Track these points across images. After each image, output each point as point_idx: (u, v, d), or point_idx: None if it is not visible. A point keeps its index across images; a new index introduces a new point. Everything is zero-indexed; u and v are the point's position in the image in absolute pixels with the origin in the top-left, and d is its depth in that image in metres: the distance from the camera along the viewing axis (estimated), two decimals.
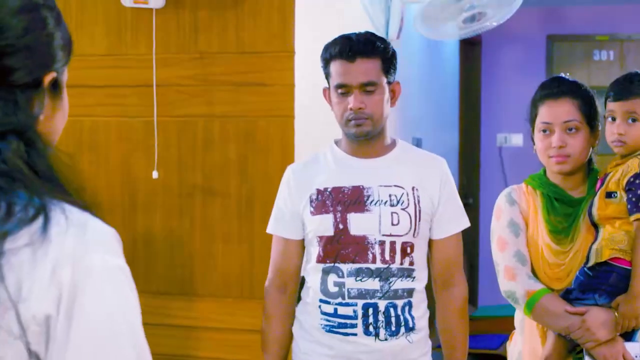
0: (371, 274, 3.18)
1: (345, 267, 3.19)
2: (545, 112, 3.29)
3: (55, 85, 1.57)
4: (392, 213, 3.19)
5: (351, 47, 3.19)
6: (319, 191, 3.27)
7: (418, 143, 6.80)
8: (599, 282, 3.11)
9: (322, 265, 3.24)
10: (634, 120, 3.17)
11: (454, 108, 8.84)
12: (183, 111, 4.38)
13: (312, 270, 3.29)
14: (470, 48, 9.13)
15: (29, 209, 1.40)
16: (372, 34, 3.28)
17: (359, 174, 3.26)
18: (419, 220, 3.22)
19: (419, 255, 3.25)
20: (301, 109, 4.23)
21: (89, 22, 4.52)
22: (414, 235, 3.22)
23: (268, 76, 4.23)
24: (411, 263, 3.22)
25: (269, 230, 3.40)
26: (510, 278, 3.25)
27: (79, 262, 1.39)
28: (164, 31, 4.38)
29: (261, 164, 4.26)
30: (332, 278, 3.22)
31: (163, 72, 4.37)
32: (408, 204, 3.22)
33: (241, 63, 4.28)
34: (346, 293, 3.19)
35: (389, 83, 3.26)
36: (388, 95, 3.25)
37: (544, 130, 3.28)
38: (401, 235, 3.20)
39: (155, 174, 4.34)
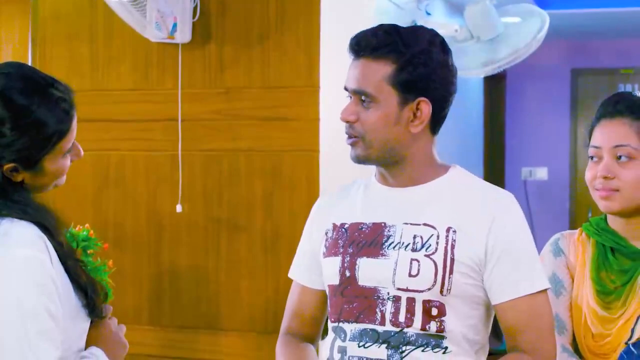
0: (377, 338, 2.34)
1: (349, 328, 2.38)
2: (597, 134, 2.56)
3: (32, 166, 2.11)
4: (411, 260, 2.32)
5: (358, 40, 2.37)
6: (334, 227, 2.48)
7: None
8: None
9: (331, 325, 2.46)
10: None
11: (479, 141, 8.82)
12: (208, 145, 4.40)
13: (329, 332, 2.49)
14: (494, 81, 9.12)
15: None
16: (402, 28, 2.37)
17: (383, 208, 2.43)
18: (450, 273, 2.30)
19: (456, 322, 2.34)
20: (326, 144, 4.23)
21: (116, 57, 4.55)
22: (441, 292, 2.30)
23: (293, 111, 4.25)
24: (440, 330, 2.32)
25: (289, 273, 2.66)
26: None
27: None
28: (190, 66, 4.40)
29: (286, 199, 4.26)
30: (337, 342, 2.41)
31: (189, 107, 4.40)
32: (436, 250, 2.31)
33: (266, 98, 4.30)
34: None
35: (405, 99, 2.34)
36: (401, 114, 2.35)
37: (592, 157, 2.56)
38: (421, 291, 2.31)
39: (179, 208, 4.36)
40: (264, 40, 4.30)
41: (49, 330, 2.00)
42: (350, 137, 2.39)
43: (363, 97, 2.35)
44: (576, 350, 2.58)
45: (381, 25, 2.38)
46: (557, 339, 2.46)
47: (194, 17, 4.31)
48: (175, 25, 4.23)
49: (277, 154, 4.28)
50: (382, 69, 2.33)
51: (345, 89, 2.41)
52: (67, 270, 2.13)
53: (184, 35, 4.28)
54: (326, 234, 2.50)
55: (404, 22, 5.38)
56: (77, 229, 3.85)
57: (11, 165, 2.09)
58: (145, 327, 4.41)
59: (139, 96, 4.53)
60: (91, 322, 2.22)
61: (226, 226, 4.37)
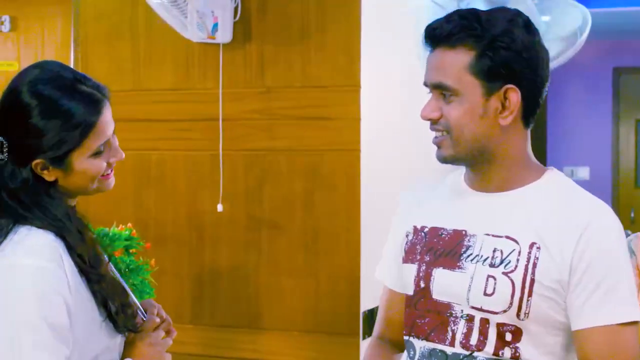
0: None
1: (418, 345, 2.19)
2: None
3: (60, 163, 2.10)
4: (488, 277, 2.08)
5: (432, 29, 2.16)
6: (415, 229, 2.28)
7: None
8: None
9: (404, 337, 2.28)
10: None
11: None
12: (249, 145, 4.40)
13: None
14: None
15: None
16: (480, 11, 2.15)
17: (466, 214, 2.20)
18: (529, 295, 2.05)
19: (533, 349, 2.08)
20: (367, 143, 4.22)
21: (157, 57, 4.57)
22: (518, 315, 2.06)
23: (334, 110, 4.24)
24: (515, 357, 2.07)
25: (376, 273, 2.48)
26: None
27: None
28: (231, 66, 4.41)
29: (327, 198, 4.26)
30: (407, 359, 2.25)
31: (229, 106, 4.40)
32: (515, 268, 2.06)
33: (307, 97, 4.30)
34: None
35: (490, 89, 2.10)
36: (487, 105, 2.11)
37: None
38: (496, 313, 2.07)
39: (220, 207, 4.37)
40: (305, 40, 4.30)
41: (47, 341, 1.96)
42: (436, 135, 2.17)
43: (444, 91, 2.12)
44: None
45: (457, 10, 2.18)
46: None
47: (235, 17, 4.32)
48: (216, 25, 4.25)
49: (317, 153, 4.28)
50: (461, 58, 2.10)
51: (425, 84, 2.19)
52: (88, 283, 2.09)
53: (225, 35, 4.29)
54: (407, 236, 2.31)
55: None
56: (119, 228, 3.90)
57: (40, 161, 2.10)
58: (187, 325, 4.42)
59: (180, 96, 4.54)
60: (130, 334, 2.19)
61: (267, 225, 4.37)
